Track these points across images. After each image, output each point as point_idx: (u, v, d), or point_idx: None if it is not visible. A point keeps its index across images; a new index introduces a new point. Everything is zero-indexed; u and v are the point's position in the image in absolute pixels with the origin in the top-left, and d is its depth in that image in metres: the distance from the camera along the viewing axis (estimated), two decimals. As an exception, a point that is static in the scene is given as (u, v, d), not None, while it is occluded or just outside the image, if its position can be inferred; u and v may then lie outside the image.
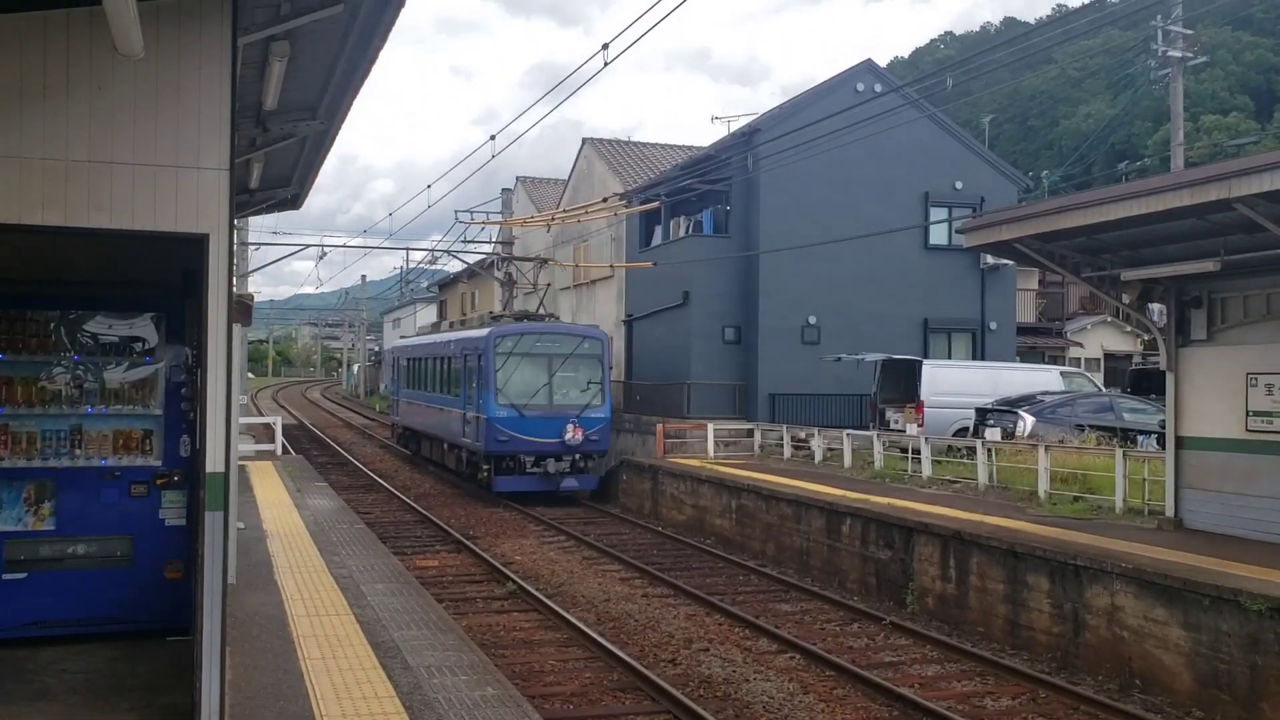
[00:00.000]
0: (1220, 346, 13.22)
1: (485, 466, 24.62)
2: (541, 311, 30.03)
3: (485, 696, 7.74)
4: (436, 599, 12.10)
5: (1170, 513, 13.70)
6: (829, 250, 27.37)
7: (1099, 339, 40.30)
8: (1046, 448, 17.08)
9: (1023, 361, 31.67)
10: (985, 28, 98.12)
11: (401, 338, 41.04)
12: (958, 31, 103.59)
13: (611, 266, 33.99)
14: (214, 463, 6.12)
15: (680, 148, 41.58)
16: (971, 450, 19.51)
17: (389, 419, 41.33)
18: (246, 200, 14.17)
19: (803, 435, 24.61)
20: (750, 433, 26.14)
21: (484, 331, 25.45)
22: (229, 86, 6.15)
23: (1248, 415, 12.72)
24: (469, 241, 38.34)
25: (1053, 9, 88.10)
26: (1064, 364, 34.70)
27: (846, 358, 26.45)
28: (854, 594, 15.45)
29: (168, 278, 8.27)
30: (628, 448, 28.23)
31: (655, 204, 31.49)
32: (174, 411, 8.57)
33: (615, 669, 11.22)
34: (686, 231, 32.35)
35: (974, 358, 30.54)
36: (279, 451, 27.48)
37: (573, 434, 24.15)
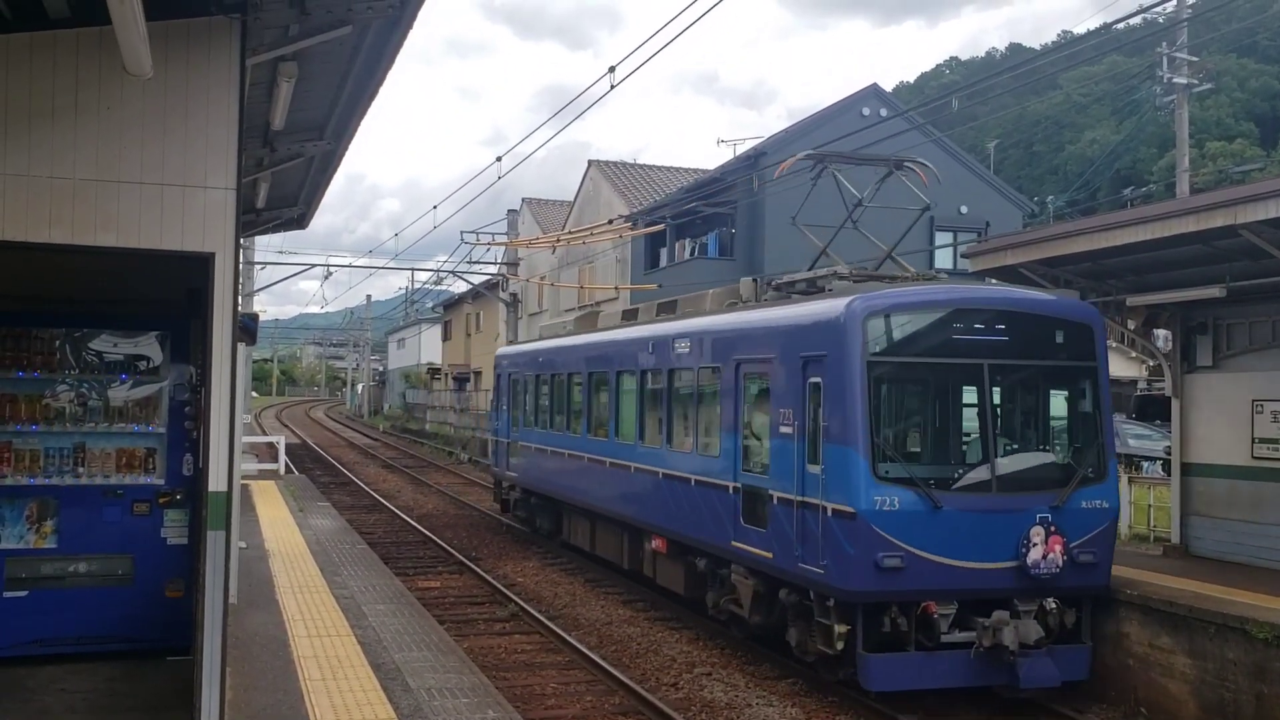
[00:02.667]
0: (1226, 373, 13.18)
1: (840, 627, 10.44)
2: (901, 273, 13.34)
3: None
4: (438, 620, 12.05)
5: (1176, 539, 13.63)
6: (834, 273, 27.29)
7: (1104, 364, 40.15)
8: (1051, 473, 16.99)
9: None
10: (991, 53, 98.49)
11: (511, 341, 25.68)
12: (963, 57, 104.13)
13: (616, 288, 34.04)
14: (216, 482, 6.12)
15: (686, 170, 41.74)
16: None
17: (492, 469, 24.91)
18: (253, 219, 14.24)
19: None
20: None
21: (834, 305, 11.02)
22: (237, 107, 6.18)
23: (1254, 442, 12.68)
24: (474, 262, 38.45)
25: (1058, 35, 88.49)
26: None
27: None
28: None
29: (173, 296, 8.29)
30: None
31: (660, 226, 31.58)
32: (177, 430, 8.58)
33: (617, 693, 11.15)
34: (691, 254, 32.43)
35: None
36: (282, 471, 27.48)
37: (1044, 549, 10.54)
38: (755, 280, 13.88)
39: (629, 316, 17.86)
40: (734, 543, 12.25)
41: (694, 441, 13.68)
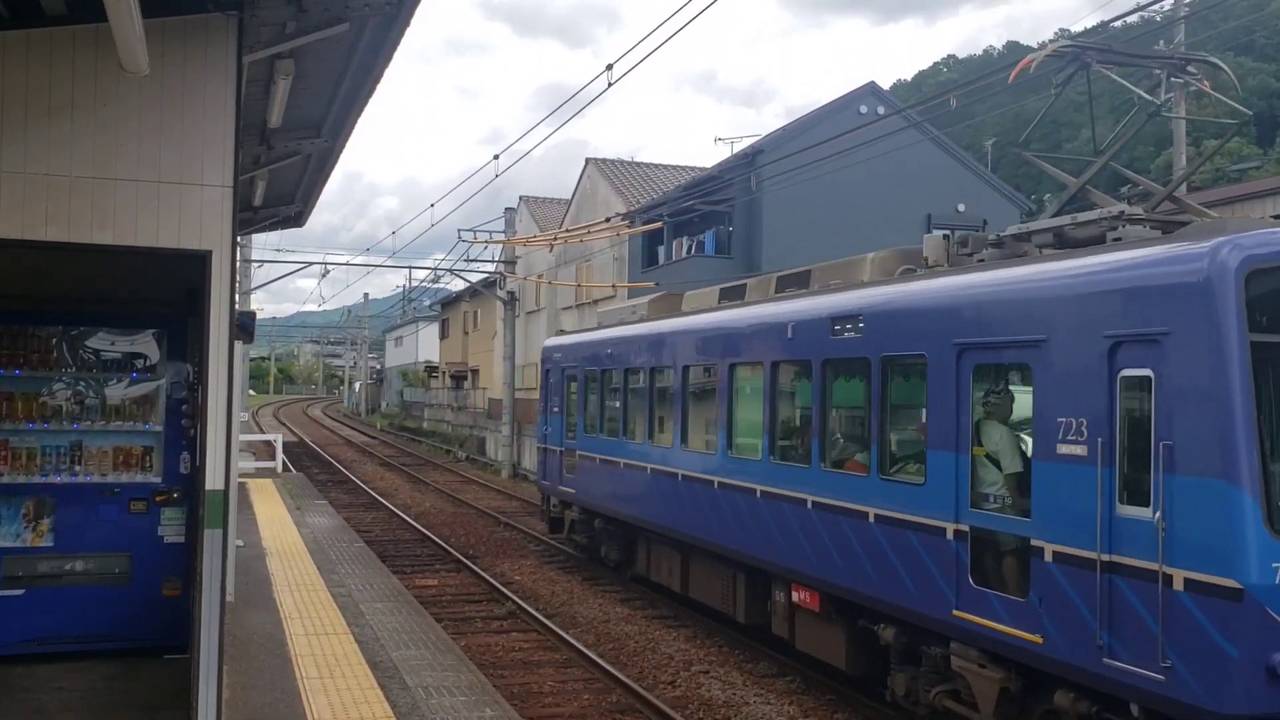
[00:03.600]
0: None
1: None
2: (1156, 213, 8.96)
3: (484, 718, 7.70)
4: (435, 619, 12.06)
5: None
6: (831, 272, 27.25)
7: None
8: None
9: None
10: (989, 51, 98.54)
11: (561, 331, 22.14)
12: (961, 55, 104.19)
13: (614, 286, 34.01)
14: (214, 480, 6.12)
15: (684, 168, 41.74)
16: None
17: (540, 483, 20.56)
18: (250, 217, 14.23)
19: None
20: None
21: (1183, 254, 7.07)
22: (234, 104, 6.17)
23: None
24: (472, 260, 38.42)
25: (1055, 33, 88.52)
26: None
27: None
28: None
29: (170, 294, 8.29)
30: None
31: (658, 224, 31.59)
32: (174, 428, 8.58)
33: (614, 690, 11.15)
34: (689, 252, 32.43)
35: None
36: (279, 469, 27.49)
37: None
38: (946, 237, 10.46)
39: (731, 295, 14.00)
40: (957, 612, 8.60)
41: (874, 460, 9.93)
